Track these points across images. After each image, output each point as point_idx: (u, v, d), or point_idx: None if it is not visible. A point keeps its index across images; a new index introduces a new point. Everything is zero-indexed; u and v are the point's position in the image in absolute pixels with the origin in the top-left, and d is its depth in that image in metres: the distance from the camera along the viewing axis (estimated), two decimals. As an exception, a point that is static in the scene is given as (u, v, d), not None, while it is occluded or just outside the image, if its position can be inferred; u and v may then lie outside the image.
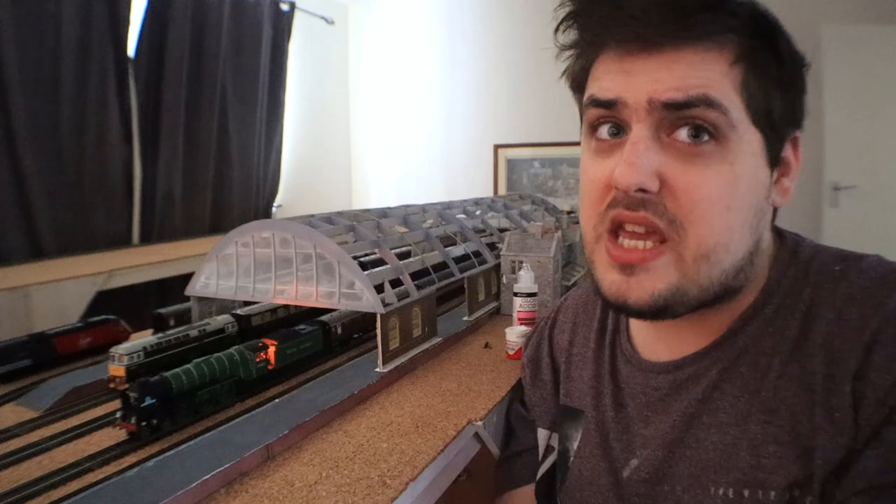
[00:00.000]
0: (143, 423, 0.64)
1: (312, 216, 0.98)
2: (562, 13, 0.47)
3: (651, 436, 0.53)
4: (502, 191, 3.63)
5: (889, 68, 2.61)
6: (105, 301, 1.92)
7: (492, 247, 1.30)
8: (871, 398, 0.41)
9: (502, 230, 1.39)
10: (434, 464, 0.62)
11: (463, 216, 1.33)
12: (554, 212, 1.72)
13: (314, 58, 3.81)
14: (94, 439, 0.67)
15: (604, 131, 0.48)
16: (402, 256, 0.99)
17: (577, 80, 0.51)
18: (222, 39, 2.99)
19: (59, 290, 1.84)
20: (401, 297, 0.90)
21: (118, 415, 0.65)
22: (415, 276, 0.97)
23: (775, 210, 0.52)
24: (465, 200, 1.48)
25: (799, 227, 0.53)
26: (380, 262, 0.99)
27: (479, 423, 0.72)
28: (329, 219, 0.98)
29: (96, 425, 0.71)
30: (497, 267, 1.23)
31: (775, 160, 0.47)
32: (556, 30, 0.48)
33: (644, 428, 0.54)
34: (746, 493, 0.45)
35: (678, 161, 0.44)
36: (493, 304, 1.22)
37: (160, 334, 0.83)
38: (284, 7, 3.46)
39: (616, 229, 0.47)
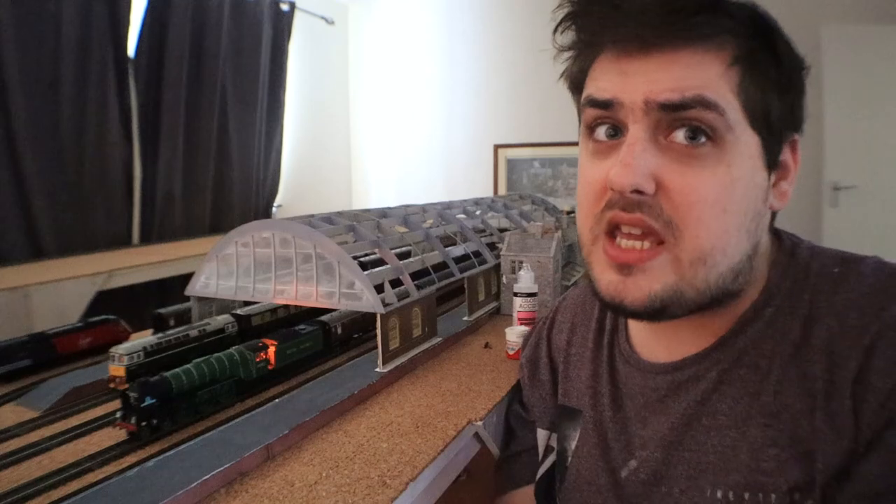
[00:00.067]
0: (143, 423, 0.64)
1: (312, 216, 0.98)
2: (560, 14, 0.47)
3: (649, 437, 0.53)
4: (502, 191, 3.63)
5: (889, 68, 2.61)
6: (105, 301, 1.92)
7: (492, 247, 1.30)
8: (873, 402, 0.40)
9: (502, 230, 1.39)
10: (434, 464, 0.62)
11: (463, 216, 1.33)
12: (554, 212, 1.72)
13: (314, 58, 3.81)
14: (94, 439, 0.67)
15: (601, 132, 0.48)
16: (402, 256, 0.99)
17: (576, 81, 0.51)
18: (222, 39, 2.99)
19: (59, 290, 1.84)
20: (401, 297, 0.90)
21: (118, 415, 0.65)
22: (415, 276, 0.97)
23: (774, 213, 0.52)
24: (465, 200, 1.48)
25: (799, 228, 0.53)
26: (380, 262, 0.99)
27: (479, 423, 0.72)
28: (329, 219, 0.98)
29: (96, 425, 0.71)
30: (497, 267, 1.23)
31: (773, 163, 0.47)
32: (555, 31, 0.48)
33: (642, 429, 0.54)
34: (746, 495, 0.45)
35: (675, 163, 0.44)
36: (493, 304, 1.22)
37: (160, 334, 0.83)
38: (284, 7, 3.46)
39: (612, 230, 0.47)
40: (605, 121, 0.47)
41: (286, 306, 1.03)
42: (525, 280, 1.04)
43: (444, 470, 0.66)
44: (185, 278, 0.99)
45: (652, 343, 0.56)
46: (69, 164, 2.38)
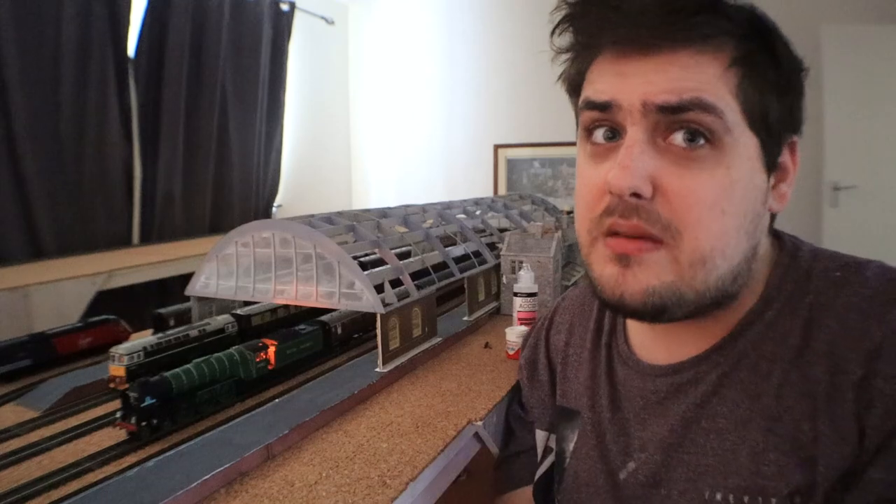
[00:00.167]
0: (143, 423, 0.64)
1: (312, 216, 0.98)
2: (558, 16, 0.47)
3: (648, 439, 0.53)
4: (502, 191, 3.63)
5: (889, 68, 2.61)
6: (105, 301, 1.92)
7: (492, 247, 1.30)
8: (879, 407, 0.40)
9: (502, 230, 1.39)
10: (434, 464, 0.62)
11: (463, 216, 1.33)
12: (554, 212, 1.72)
13: (314, 58, 3.81)
14: (94, 439, 0.67)
15: (599, 135, 0.48)
16: (402, 256, 0.99)
17: (573, 84, 0.51)
18: (222, 39, 2.99)
19: (59, 290, 1.84)
20: (401, 297, 0.90)
21: (118, 415, 0.65)
22: (415, 276, 0.97)
23: (773, 216, 0.51)
24: (465, 200, 1.48)
25: (799, 228, 0.53)
26: (380, 262, 0.99)
27: (479, 423, 0.72)
28: (329, 219, 0.98)
29: (96, 425, 0.71)
30: (497, 267, 1.23)
31: (772, 165, 0.47)
32: (553, 33, 0.48)
33: (641, 430, 0.54)
34: (746, 499, 0.45)
35: (673, 165, 0.44)
36: (493, 304, 1.22)
37: (160, 334, 0.83)
38: (284, 7, 3.46)
39: (610, 234, 0.47)
40: (602, 123, 0.47)
41: (286, 306, 1.03)
42: (525, 280, 1.04)
43: (444, 470, 0.66)
44: (185, 278, 0.99)
45: (651, 345, 0.56)
46: (69, 164, 2.38)
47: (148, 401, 0.64)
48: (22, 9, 2.16)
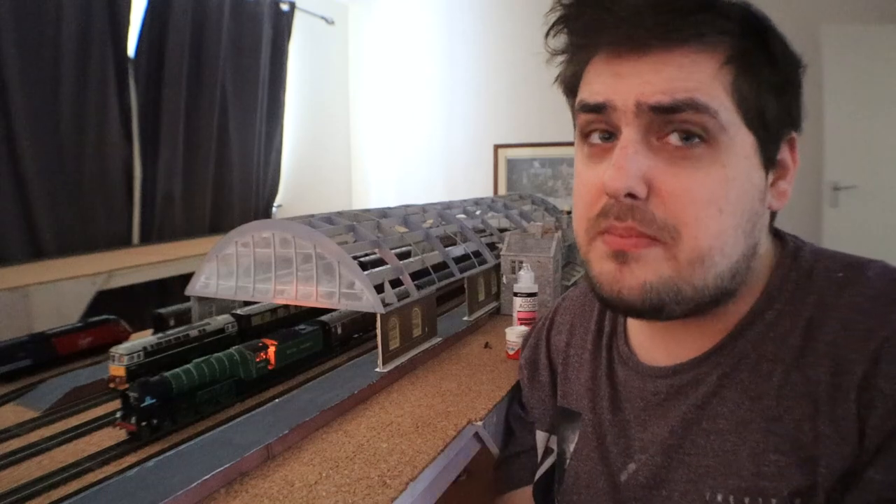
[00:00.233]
0: (143, 423, 0.64)
1: (312, 216, 0.98)
2: (552, 18, 0.47)
3: (649, 440, 0.53)
4: (502, 191, 3.63)
5: (889, 68, 2.61)
6: (105, 301, 1.92)
7: (492, 247, 1.30)
8: (880, 408, 0.40)
9: (502, 230, 1.39)
10: (434, 464, 0.62)
11: (463, 216, 1.33)
12: (554, 212, 1.72)
13: (314, 58, 3.81)
14: (94, 439, 0.67)
15: (595, 136, 0.48)
16: (402, 256, 0.99)
17: (570, 85, 0.51)
18: (222, 39, 2.99)
19: (59, 290, 1.84)
20: (401, 297, 0.90)
21: (118, 415, 0.65)
22: (415, 276, 0.97)
23: (774, 214, 0.51)
24: (465, 200, 1.48)
25: (799, 227, 0.53)
26: (380, 262, 0.99)
27: (479, 423, 0.72)
28: (329, 219, 0.98)
29: (96, 425, 0.71)
30: (497, 267, 1.23)
31: (770, 162, 0.47)
32: (547, 34, 0.48)
33: (642, 432, 0.54)
34: (747, 500, 0.45)
35: (668, 164, 0.44)
36: (493, 304, 1.22)
37: (160, 334, 0.83)
38: (284, 7, 3.46)
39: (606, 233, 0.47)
40: (598, 124, 0.47)
41: (286, 306, 1.03)
42: (525, 280, 1.04)
43: (444, 470, 0.66)
44: (185, 278, 0.99)
45: (651, 346, 0.56)
46: (69, 164, 2.38)
47: (148, 401, 0.64)
48: (22, 9, 2.16)
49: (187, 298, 0.99)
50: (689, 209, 0.43)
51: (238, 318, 0.95)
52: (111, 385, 0.79)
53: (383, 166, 4.08)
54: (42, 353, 0.91)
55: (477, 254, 1.20)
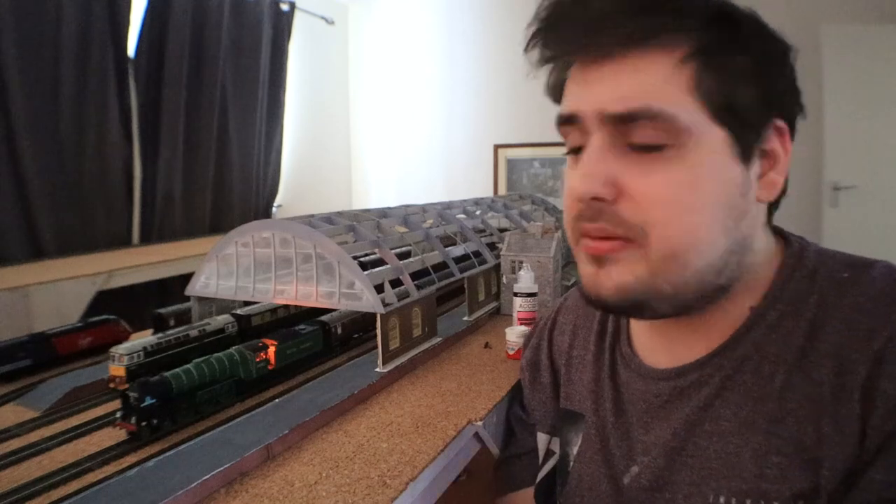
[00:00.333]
0: (143, 423, 0.64)
1: (312, 216, 0.98)
2: (530, 31, 0.47)
3: (652, 442, 0.53)
4: (502, 191, 3.63)
5: (889, 68, 2.61)
6: (105, 301, 1.92)
7: (492, 247, 1.30)
8: (881, 408, 0.40)
9: (502, 230, 1.39)
10: (434, 464, 0.62)
11: (463, 216, 1.33)
12: (554, 212, 1.72)
13: (314, 58, 3.81)
14: (94, 439, 0.67)
15: (573, 144, 0.49)
16: (402, 256, 0.99)
17: (555, 95, 0.52)
18: (222, 39, 2.99)
19: (59, 290, 1.84)
20: (401, 297, 0.90)
21: (118, 415, 0.66)
22: (415, 276, 0.97)
23: (773, 207, 0.51)
24: (465, 200, 1.48)
25: (799, 227, 0.52)
26: (380, 262, 0.99)
27: (479, 423, 0.72)
28: (329, 219, 0.98)
29: (96, 425, 0.71)
30: (497, 267, 1.23)
31: (748, 154, 0.45)
32: (526, 49, 0.48)
33: (644, 434, 0.54)
34: (749, 502, 0.44)
35: (636, 167, 0.44)
36: (493, 304, 1.22)
37: (160, 334, 0.83)
38: (284, 7, 3.46)
39: (585, 236, 0.48)
40: (574, 133, 0.48)
41: (286, 306, 1.03)
42: (525, 280, 1.04)
43: (444, 470, 0.66)
44: (185, 278, 0.99)
45: (653, 347, 0.56)
46: (69, 164, 2.38)
47: (148, 401, 0.64)
48: (22, 9, 2.16)
49: (187, 298, 0.99)
50: (655, 210, 0.44)
51: (238, 318, 0.95)
52: (111, 385, 0.79)
53: (383, 166, 4.08)
54: (42, 353, 0.91)
55: (477, 254, 1.20)
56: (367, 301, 0.84)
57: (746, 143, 0.45)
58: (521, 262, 1.14)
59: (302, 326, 0.91)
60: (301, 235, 0.88)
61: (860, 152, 2.70)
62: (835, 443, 0.41)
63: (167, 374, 0.68)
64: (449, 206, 1.37)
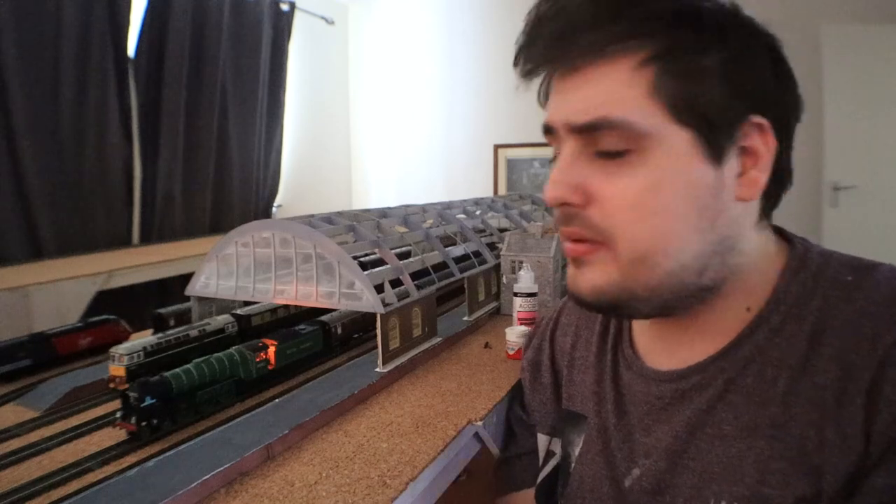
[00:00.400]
0: (143, 423, 0.64)
1: (312, 216, 0.98)
2: (516, 47, 0.50)
3: (653, 445, 0.52)
4: (502, 191, 3.63)
5: (889, 68, 2.61)
6: (105, 301, 1.92)
7: (492, 247, 1.30)
8: (885, 413, 0.40)
9: (502, 230, 1.39)
10: (434, 464, 0.62)
11: (463, 216, 1.33)
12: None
13: (314, 58, 3.81)
14: (94, 439, 0.67)
15: (555, 152, 0.51)
16: (402, 256, 0.99)
17: (544, 104, 0.53)
18: (222, 39, 3.00)
19: (59, 290, 1.84)
20: (401, 297, 0.90)
21: (118, 415, 0.65)
22: (415, 276, 0.97)
23: (770, 205, 0.50)
24: (465, 200, 1.48)
25: (799, 227, 0.52)
26: (380, 262, 0.99)
27: (479, 423, 0.72)
28: (329, 219, 0.98)
29: (96, 425, 0.71)
30: (497, 267, 1.23)
31: (719, 154, 0.44)
32: (515, 63, 0.50)
33: (646, 436, 0.54)
34: None
35: (602, 173, 0.45)
36: (493, 304, 1.22)
37: (160, 334, 0.83)
38: (284, 7, 3.46)
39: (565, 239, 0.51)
40: (554, 143, 0.50)
41: (286, 306, 1.03)
42: (525, 280, 1.04)
43: (444, 470, 0.66)
44: (185, 278, 0.99)
45: (655, 349, 0.56)
46: (69, 164, 2.38)
47: (148, 401, 0.64)
48: (22, 9, 2.16)
49: (187, 298, 0.99)
50: (620, 214, 0.45)
51: (238, 318, 0.95)
52: (111, 385, 0.79)
53: (383, 166, 4.08)
54: (42, 353, 0.91)
55: (477, 254, 1.20)
56: (367, 301, 0.84)
57: (716, 142, 0.44)
58: (521, 262, 1.14)
59: (302, 326, 0.91)
60: (301, 235, 0.88)
61: (860, 152, 2.70)
62: (837, 449, 0.41)
63: (167, 374, 0.68)
64: (449, 206, 1.37)
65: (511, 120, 3.57)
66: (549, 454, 0.67)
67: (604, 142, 0.45)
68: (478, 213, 1.41)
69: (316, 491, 0.56)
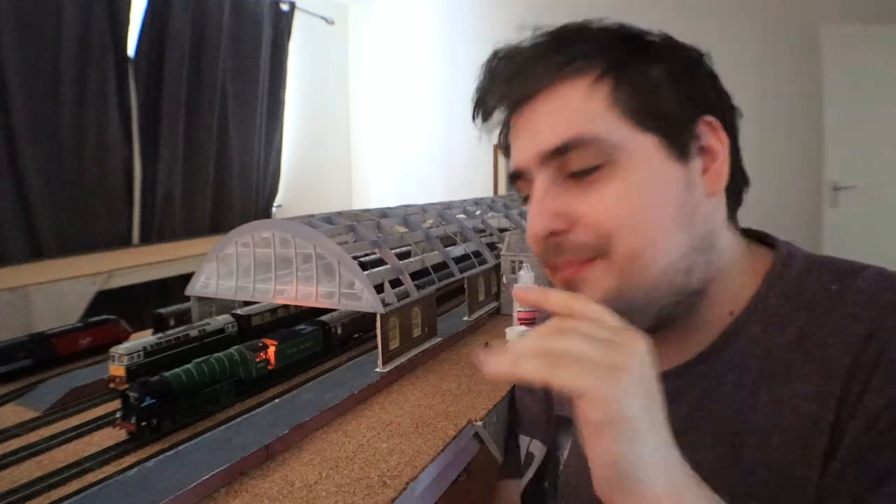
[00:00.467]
0: (143, 423, 0.64)
1: (312, 216, 0.98)
2: (473, 99, 0.51)
3: None
4: (502, 191, 3.63)
5: (889, 68, 2.61)
6: (105, 301, 1.92)
7: (492, 247, 1.30)
8: (861, 419, 0.40)
9: (502, 230, 1.39)
10: (434, 464, 0.63)
11: (463, 216, 1.33)
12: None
13: (314, 58, 3.81)
14: (94, 439, 0.67)
15: (525, 193, 0.51)
16: (402, 256, 0.99)
17: (507, 153, 0.54)
18: (222, 39, 3.00)
19: (59, 290, 1.84)
20: (401, 297, 0.90)
21: (118, 415, 0.66)
22: (415, 276, 0.97)
23: (733, 204, 0.51)
24: (465, 200, 1.48)
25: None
26: (380, 262, 0.99)
27: (479, 423, 0.72)
28: (329, 219, 0.98)
29: (96, 425, 0.71)
30: (497, 267, 1.23)
31: (684, 152, 0.47)
32: (474, 115, 0.51)
33: None
34: None
35: (580, 192, 0.46)
36: (493, 304, 1.22)
37: (160, 334, 0.83)
38: (284, 7, 3.46)
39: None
40: (525, 185, 0.50)
41: (286, 306, 1.03)
42: (525, 280, 1.04)
43: (444, 470, 0.66)
44: (185, 278, 0.99)
45: None
46: (69, 164, 2.38)
47: (148, 401, 0.64)
48: (22, 9, 2.16)
49: (187, 298, 0.99)
50: (606, 222, 0.46)
51: (238, 318, 0.95)
52: (111, 385, 0.79)
53: (383, 166, 4.08)
54: (42, 353, 0.91)
55: (477, 254, 1.20)
56: (367, 301, 0.84)
57: (679, 141, 0.46)
58: (521, 262, 1.14)
59: (302, 326, 0.91)
60: (301, 235, 0.88)
61: (860, 152, 2.70)
62: (818, 460, 0.41)
63: (167, 374, 0.68)
64: (449, 206, 1.37)
65: (511, 120, 3.56)
66: (530, 456, 0.68)
67: (575, 162, 0.46)
68: (478, 213, 1.41)
69: (316, 491, 0.56)
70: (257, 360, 0.79)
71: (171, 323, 1.00)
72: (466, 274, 1.12)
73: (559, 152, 0.46)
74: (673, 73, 0.46)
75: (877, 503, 0.38)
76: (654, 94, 0.46)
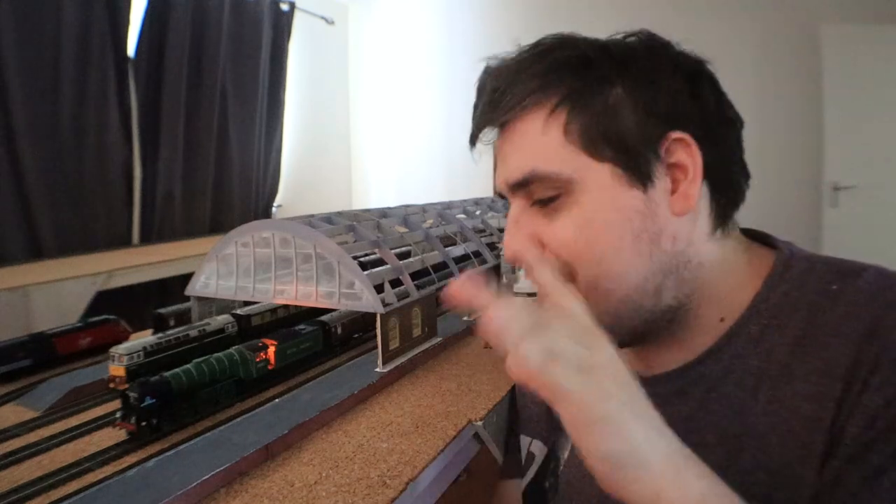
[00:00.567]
0: (143, 423, 0.64)
1: (312, 216, 0.98)
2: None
3: None
4: (502, 191, 3.63)
5: (889, 68, 2.61)
6: (105, 301, 1.92)
7: (492, 247, 1.30)
8: (861, 420, 0.39)
9: (502, 230, 1.39)
10: (434, 464, 0.63)
11: (463, 216, 1.33)
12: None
13: (314, 58, 3.81)
14: (94, 439, 0.67)
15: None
16: (402, 256, 0.99)
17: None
18: (222, 39, 3.00)
19: (59, 290, 1.84)
20: (401, 297, 0.90)
21: (118, 415, 0.66)
22: (415, 276, 0.97)
23: (721, 214, 0.49)
24: (465, 200, 1.48)
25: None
26: (380, 262, 0.99)
27: (479, 423, 0.72)
28: (329, 219, 0.98)
29: (96, 425, 0.71)
30: (497, 267, 1.23)
31: (644, 177, 0.46)
32: (473, 144, 0.54)
33: None
34: None
35: (544, 219, 0.48)
36: (493, 304, 1.22)
37: (160, 334, 0.83)
38: (284, 7, 3.46)
39: None
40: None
41: (286, 306, 1.03)
42: (524, 280, 1.04)
43: (444, 470, 0.66)
44: (185, 278, 0.99)
45: (634, 357, 0.55)
46: (69, 164, 2.38)
47: (148, 401, 0.64)
48: (22, 9, 2.16)
49: (187, 298, 0.99)
50: (565, 250, 0.47)
51: (238, 318, 0.95)
52: (111, 385, 0.79)
53: (383, 166, 4.08)
54: (42, 353, 0.91)
55: (477, 254, 1.20)
56: (367, 301, 0.84)
57: (637, 168, 0.46)
58: (521, 262, 1.14)
59: (302, 326, 0.91)
60: (301, 235, 0.88)
61: (860, 152, 2.70)
62: (818, 458, 0.41)
63: (167, 374, 0.68)
64: (449, 206, 1.37)
65: (511, 120, 3.56)
66: (530, 456, 0.68)
67: (538, 192, 0.48)
68: (478, 213, 1.41)
69: (316, 491, 0.56)
70: (257, 360, 0.79)
71: (171, 323, 1.00)
72: (466, 274, 1.12)
73: (521, 185, 0.48)
74: (634, 92, 0.46)
75: (875, 502, 0.38)
76: (611, 119, 0.46)
